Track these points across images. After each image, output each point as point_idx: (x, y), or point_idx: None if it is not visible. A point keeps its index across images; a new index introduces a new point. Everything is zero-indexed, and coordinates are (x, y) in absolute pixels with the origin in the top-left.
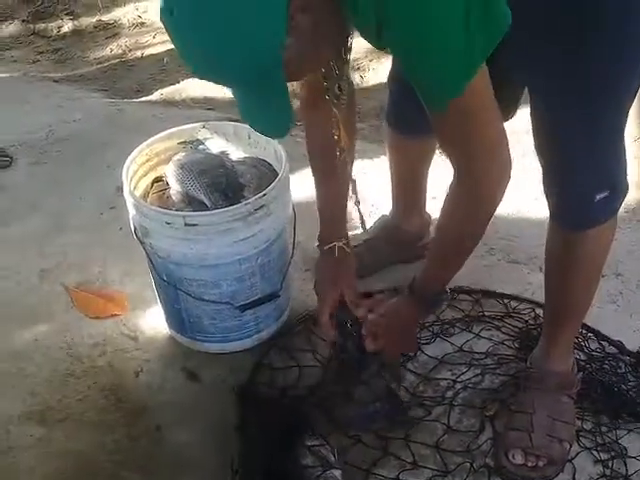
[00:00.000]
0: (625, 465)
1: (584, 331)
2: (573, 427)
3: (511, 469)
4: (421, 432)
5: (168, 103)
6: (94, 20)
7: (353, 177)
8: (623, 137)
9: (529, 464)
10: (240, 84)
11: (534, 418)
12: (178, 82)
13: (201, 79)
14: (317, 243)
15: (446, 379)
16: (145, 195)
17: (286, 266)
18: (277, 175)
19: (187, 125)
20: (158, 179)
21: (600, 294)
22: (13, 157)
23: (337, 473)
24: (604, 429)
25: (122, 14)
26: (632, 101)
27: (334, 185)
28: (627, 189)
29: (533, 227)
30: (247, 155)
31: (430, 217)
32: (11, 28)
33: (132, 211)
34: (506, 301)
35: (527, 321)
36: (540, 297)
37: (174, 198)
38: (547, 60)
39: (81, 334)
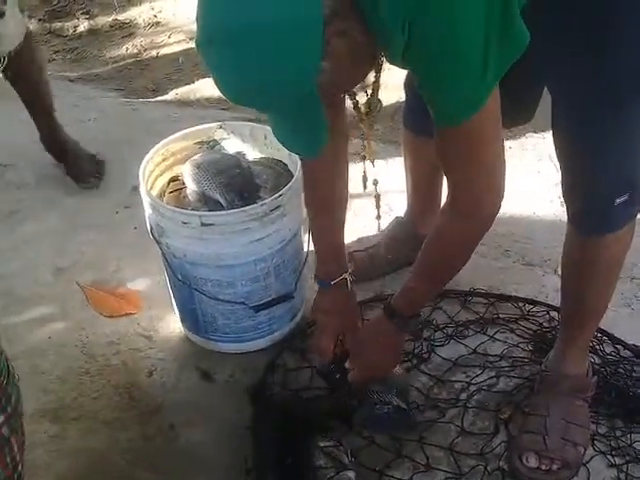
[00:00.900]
0: None
1: (599, 334)
2: (588, 431)
3: (525, 472)
4: (435, 434)
5: (183, 103)
6: (110, 19)
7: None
8: None
9: (543, 467)
10: (276, 109)
11: (548, 421)
12: (193, 82)
13: (236, 104)
14: (318, 274)
15: (460, 381)
16: (161, 195)
17: (300, 267)
18: (293, 176)
19: (204, 125)
20: (174, 179)
21: (615, 297)
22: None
23: (351, 474)
24: (619, 433)
25: (138, 14)
26: None
27: (340, 213)
28: None
29: (548, 230)
30: (263, 156)
31: None
32: None
33: (148, 210)
34: (521, 304)
35: (542, 324)
36: (555, 300)
37: (190, 198)
38: (570, 62)
39: (96, 332)
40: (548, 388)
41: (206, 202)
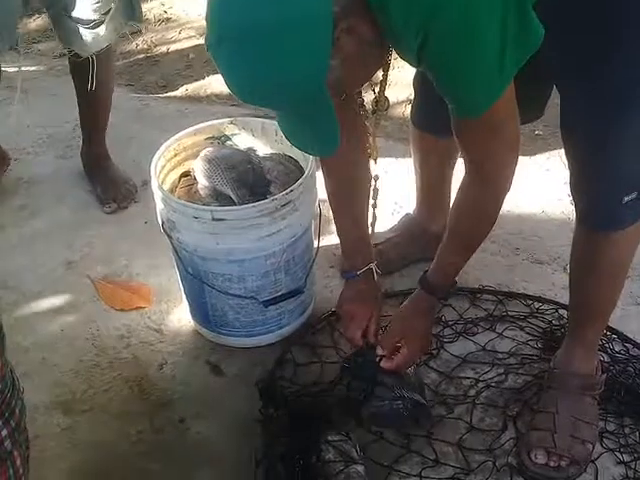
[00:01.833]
0: None
1: (608, 332)
2: (596, 428)
3: (533, 469)
4: (443, 430)
5: (193, 98)
6: None
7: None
8: None
9: (551, 464)
10: (287, 108)
11: (557, 418)
12: (203, 78)
13: (247, 103)
14: (344, 269)
15: (469, 378)
16: (172, 189)
17: (310, 262)
18: (303, 172)
19: (215, 120)
20: (185, 174)
21: (624, 295)
22: None
23: (360, 468)
24: (627, 431)
25: (148, 9)
26: None
27: (361, 204)
28: None
29: (557, 227)
30: (274, 151)
31: None
32: (38, 22)
33: (160, 205)
34: (529, 302)
35: (551, 321)
36: (564, 297)
37: (201, 193)
38: (576, 62)
39: (106, 326)
40: (557, 386)
41: (217, 197)
